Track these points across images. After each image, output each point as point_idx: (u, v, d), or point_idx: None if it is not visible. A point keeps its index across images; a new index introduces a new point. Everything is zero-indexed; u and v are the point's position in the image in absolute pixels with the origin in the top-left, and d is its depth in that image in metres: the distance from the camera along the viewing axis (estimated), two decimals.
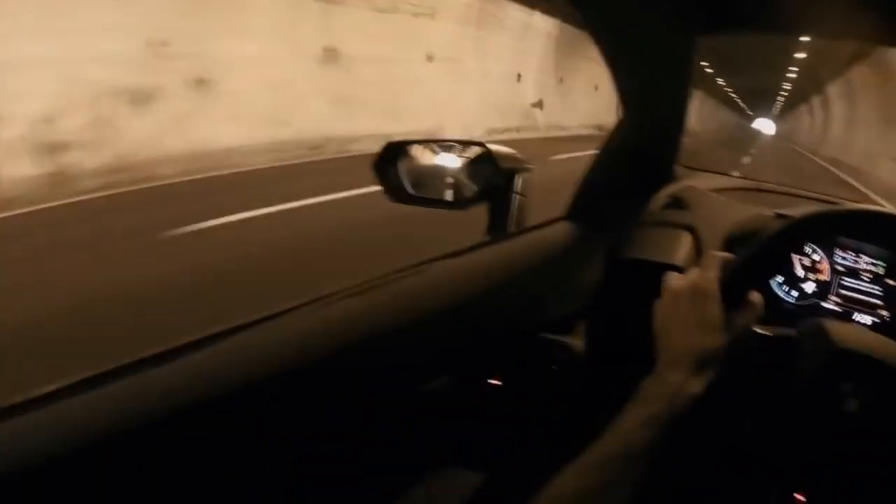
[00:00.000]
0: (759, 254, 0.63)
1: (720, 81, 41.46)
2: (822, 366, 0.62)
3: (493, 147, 0.93)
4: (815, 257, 0.94)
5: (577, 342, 0.82)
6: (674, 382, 0.52)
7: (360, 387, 0.61)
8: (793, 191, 1.47)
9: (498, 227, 0.89)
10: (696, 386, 0.52)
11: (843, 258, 0.94)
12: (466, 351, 0.73)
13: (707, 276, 0.58)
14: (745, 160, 12.55)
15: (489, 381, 0.79)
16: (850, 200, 1.19)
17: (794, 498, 0.71)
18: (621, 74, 0.87)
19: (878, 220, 0.70)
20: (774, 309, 0.90)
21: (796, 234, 0.68)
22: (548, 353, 0.80)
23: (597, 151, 0.98)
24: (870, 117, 14.69)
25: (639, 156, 0.97)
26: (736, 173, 1.76)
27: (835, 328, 0.68)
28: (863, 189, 10.80)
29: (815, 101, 31.58)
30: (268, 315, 0.58)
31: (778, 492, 0.73)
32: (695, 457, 0.74)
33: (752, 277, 0.61)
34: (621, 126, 0.96)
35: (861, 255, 0.92)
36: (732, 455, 0.76)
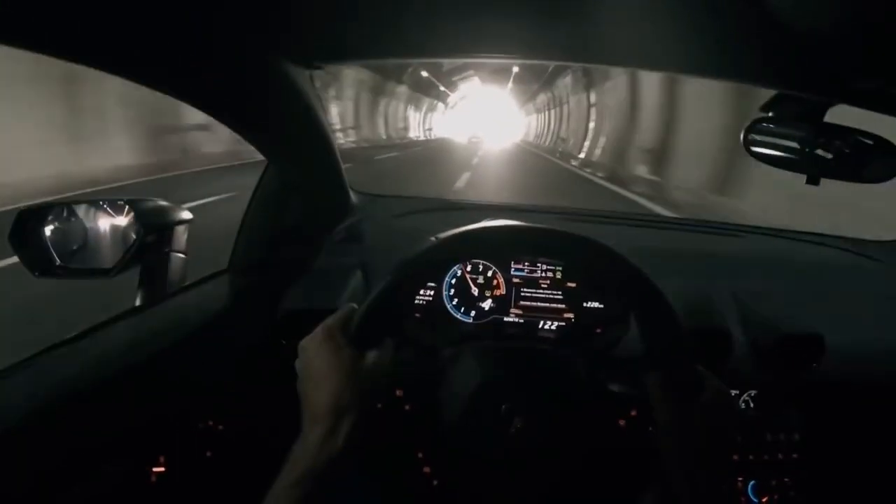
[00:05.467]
0: (382, 296, 0.57)
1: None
2: (472, 394, 0.64)
3: (143, 202, 0.86)
4: (489, 274, 0.93)
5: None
6: (313, 440, 0.51)
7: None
8: (485, 203, 1.44)
9: (151, 292, 0.81)
10: (338, 440, 0.51)
11: (519, 269, 0.93)
12: (121, 435, 0.64)
13: (331, 324, 0.57)
14: (475, 160, 14.74)
15: (153, 468, 0.71)
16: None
17: None
18: (237, 125, 0.73)
19: (493, 239, 0.60)
20: (452, 332, 0.88)
21: (416, 270, 0.58)
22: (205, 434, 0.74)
23: (251, 199, 0.93)
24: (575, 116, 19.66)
25: (298, 196, 0.93)
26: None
27: (475, 353, 0.68)
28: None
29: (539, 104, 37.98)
30: None
31: None
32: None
33: (381, 319, 0.57)
34: (269, 171, 0.92)
35: (538, 264, 0.93)
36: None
